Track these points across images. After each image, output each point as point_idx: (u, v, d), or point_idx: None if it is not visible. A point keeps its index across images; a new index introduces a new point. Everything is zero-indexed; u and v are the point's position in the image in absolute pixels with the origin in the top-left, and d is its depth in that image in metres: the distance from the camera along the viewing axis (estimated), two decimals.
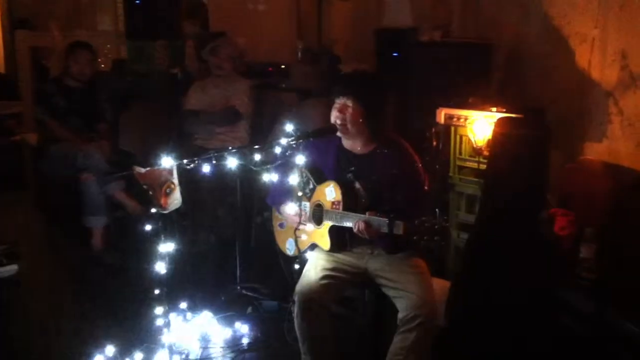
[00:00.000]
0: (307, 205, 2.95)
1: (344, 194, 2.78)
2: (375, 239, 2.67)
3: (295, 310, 2.74)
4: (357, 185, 2.81)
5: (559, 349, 2.81)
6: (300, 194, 2.92)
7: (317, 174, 2.93)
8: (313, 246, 2.96)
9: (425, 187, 2.89)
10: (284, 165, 2.95)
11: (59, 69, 4.99)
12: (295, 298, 2.74)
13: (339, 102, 2.81)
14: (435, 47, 4.40)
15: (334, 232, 2.81)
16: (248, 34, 5.53)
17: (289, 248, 3.08)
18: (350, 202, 2.77)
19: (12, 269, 3.94)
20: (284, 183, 2.97)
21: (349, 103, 2.78)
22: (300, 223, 2.93)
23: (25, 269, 4.00)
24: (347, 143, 2.90)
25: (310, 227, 2.93)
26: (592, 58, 3.66)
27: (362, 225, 2.61)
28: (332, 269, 2.81)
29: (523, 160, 3.00)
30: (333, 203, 2.81)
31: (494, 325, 2.87)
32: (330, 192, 2.82)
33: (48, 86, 4.77)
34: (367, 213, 2.63)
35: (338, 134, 2.84)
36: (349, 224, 2.70)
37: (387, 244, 2.72)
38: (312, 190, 2.93)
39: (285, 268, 3.22)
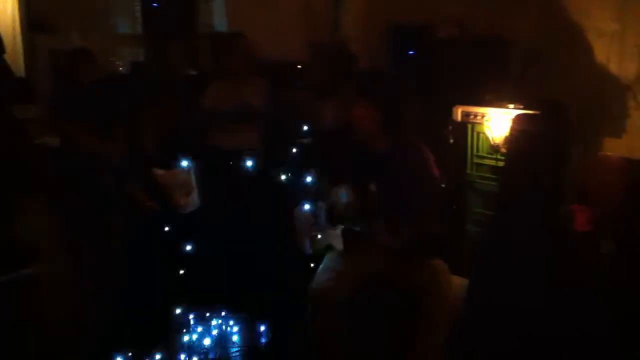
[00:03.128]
0: (322, 205, 2.94)
1: (357, 196, 2.77)
2: (390, 244, 2.65)
3: (309, 310, 2.75)
4: (372, 186, 2.79)
5: (577, 347, 2.78)
6: (315, 193, 2.92)
7: (333, 174, 2.93)
8: (328, 247, 2.95)
9: (439, 192, 2.86)
10: (300, 165, 2.95)
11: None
12: (309, 298, 2.74)
13: (355, 104, 2.80)
14: (450, 43, 4.37)
15: (348, 234, 2.80)
16: (264, 32, 5.53)
17: (307, 247, 3.08)
18: (363, 205, 2.76)
19: (31, 270, 3.98)
20: (299, 183, 2.97)
21: (364, 105, 2.77)
22: (314, 224, 2.93)
23: (44, 270, 4.04)
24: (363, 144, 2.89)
25: (325, 228, 2.93)
26: (610, 52, 3.62)
27: (379, 229, 2.58)
28: (347, 269, 2.80)
29: (541, 156, 2.97)
30: (346, 206, 2.80)
31: (512, 322, 2.85)
32: (343, 195, 2.81)
33: (62, 91, 4.81)
34: (379, 219, 2.60)
35: (356, 136, 2.83)
36: (360, 228, 2.68)
37: (401, 249, 2.70)
38: (326, 192, 2.92)
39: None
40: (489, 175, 3.65)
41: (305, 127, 2.97)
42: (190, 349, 3.11)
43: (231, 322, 3.40)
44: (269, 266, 3.71)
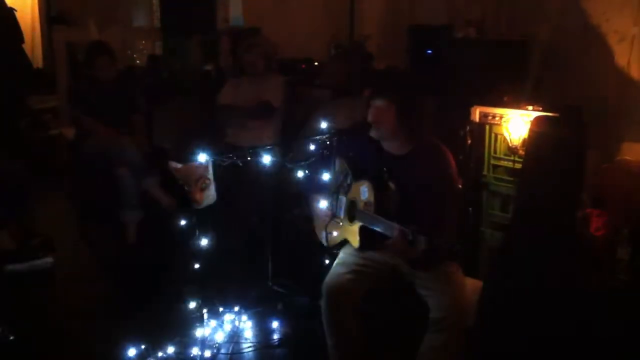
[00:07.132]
0: (343, 199, 2.94)
1: (376, 196, 2.76)
2: (405, 253, 2.60)
3: (323, 304, 2.75)
4: (392, 186, 2.78)
5: (591, 351, 2.77)
6: (337, 186, 2.92)
7: (356, 170, 2.92)
8: (344, 242, 2.96)
9: (456, 201, 2.84)
10: (317, 162, 2.95)
11: None
12: (323, 292, 2.75)
13: (373, 102, 2.79)
14: (469, 44, 4.36)
15: (365, 232, 2.80)
16: (281, 29, 5.54)
17: (324, 238, 3.08)
18: (381, 206, 2.74)
19: (47, 261, 4.00)
20: (318, 178, 2.97)
21: (383, 104, 2.76)
22: (330, 220, 2.93)
23: (60, 261, 4.06)
24: (384, 143, 2.87)
25: (343, 222, 2.93)
26: (631, 56, 3.60)
27: (398, 234, 2.52)
28: (361, 265, 2.81)
29: (559, 159, 2.96)
30: (366, 203, 2.80)
31: (525, 325, 2.84)
32: (364, 192, 2.81)
33: (79, 84, 4.83)
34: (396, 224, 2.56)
35: (373, 134, 2.82)
36: (378, 229, 2.67)
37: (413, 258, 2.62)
38: (349, 186, 2.92)
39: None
40: (505, 177, 3.63)
41: (323, 124, 2.96)
42: (203, 343, 3.12)
43: (244, 318, 3.41)
44: (284, 261, 3.73)
